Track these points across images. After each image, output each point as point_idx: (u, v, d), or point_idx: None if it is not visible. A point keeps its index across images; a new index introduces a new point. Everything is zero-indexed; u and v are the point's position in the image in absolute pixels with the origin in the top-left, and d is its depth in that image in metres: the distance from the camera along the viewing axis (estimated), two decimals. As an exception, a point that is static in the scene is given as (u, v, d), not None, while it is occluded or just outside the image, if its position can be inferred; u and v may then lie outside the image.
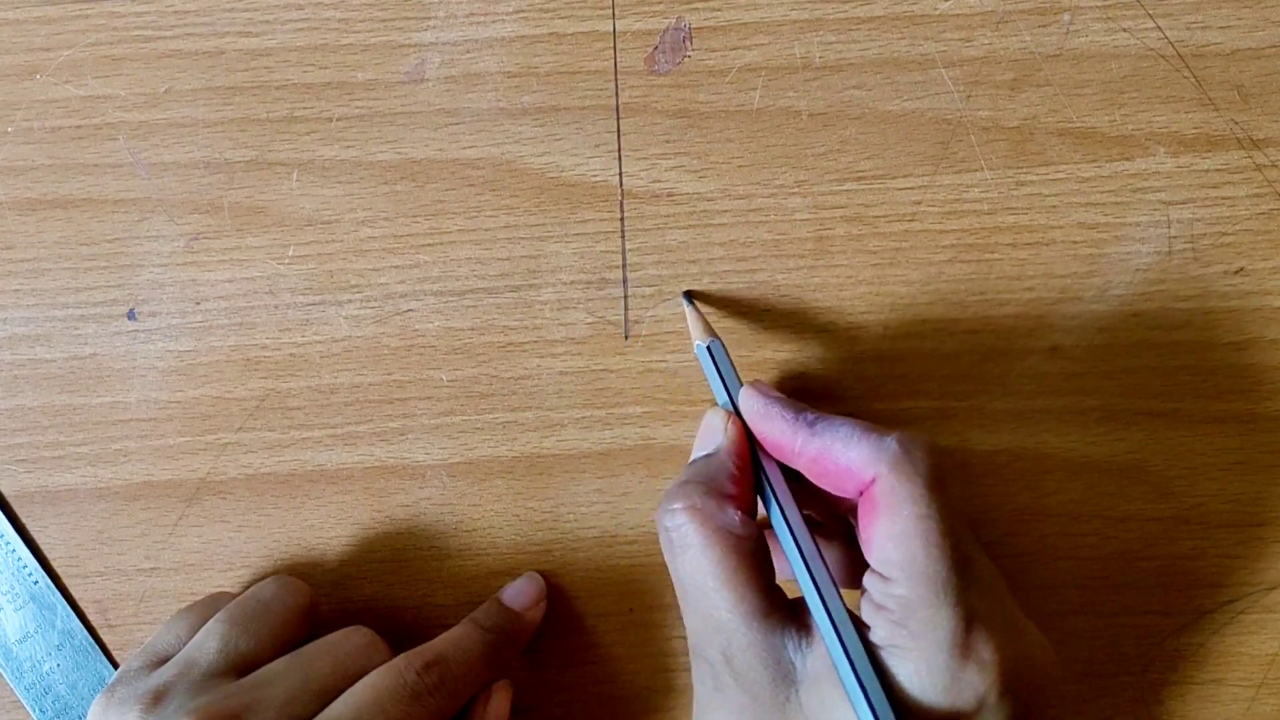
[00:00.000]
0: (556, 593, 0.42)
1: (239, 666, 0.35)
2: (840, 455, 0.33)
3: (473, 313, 0.40)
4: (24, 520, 0.41)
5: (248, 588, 0.39)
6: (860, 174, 0.39)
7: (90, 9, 0.38)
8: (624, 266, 0.40)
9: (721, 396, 0.37)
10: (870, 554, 0.32)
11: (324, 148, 0.39)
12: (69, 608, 0.41)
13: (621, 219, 0.40)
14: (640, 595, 0.42)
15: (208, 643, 0.36)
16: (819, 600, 0.32)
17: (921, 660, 0.30)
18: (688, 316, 0.39)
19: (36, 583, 0.41)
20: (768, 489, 0.35)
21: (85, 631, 0.41)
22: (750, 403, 0.35)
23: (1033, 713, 0.32)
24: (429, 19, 0.39)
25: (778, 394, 0.36)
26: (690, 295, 0.40)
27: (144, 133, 0.39)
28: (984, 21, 0.39)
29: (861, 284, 0.40)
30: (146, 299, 0.40)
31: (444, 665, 0.36)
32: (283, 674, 0.35)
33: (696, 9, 0.39)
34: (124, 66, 0.39)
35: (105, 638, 0.42)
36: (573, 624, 0.42)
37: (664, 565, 0.41)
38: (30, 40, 0.38)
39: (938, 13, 0.39)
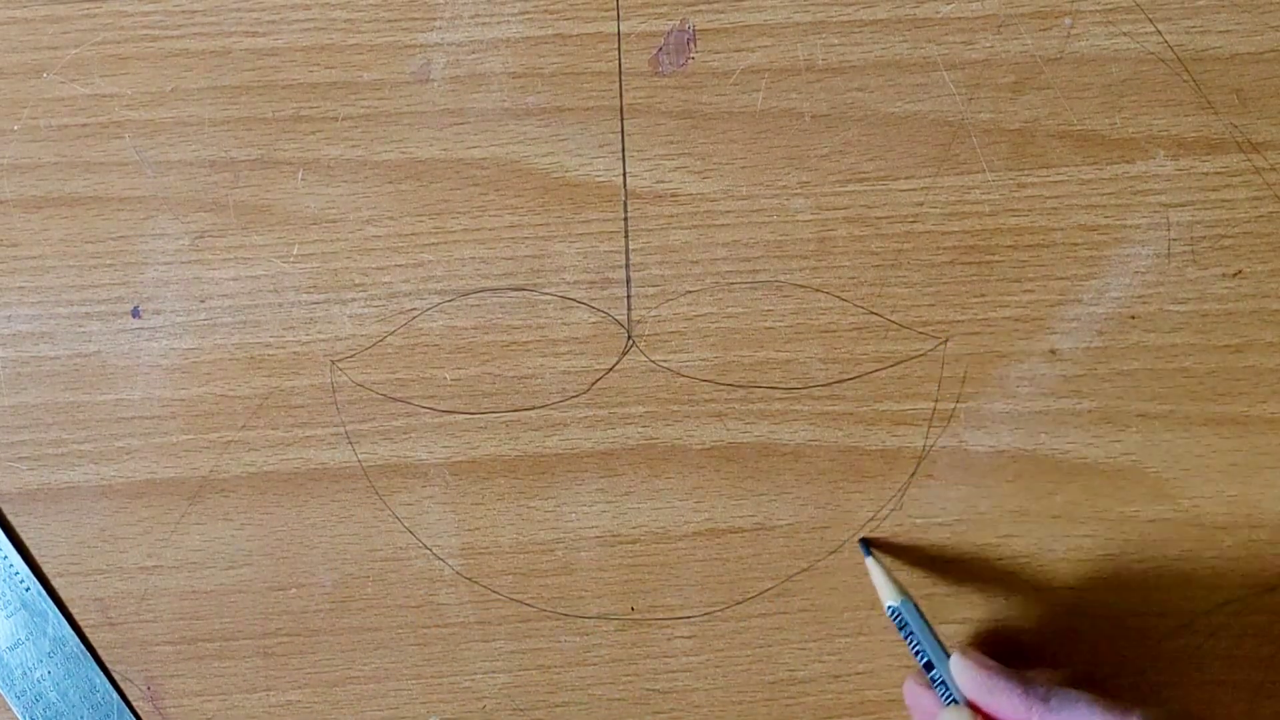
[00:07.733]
0: (557, 593, 0.42)
1: None
2: None
3: (476, 312, 0.40)
4: (26, 518, 0.41)
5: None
6: (863, 175, 0.40)
7: (97, 8, 0.38)
8: (627, 266, 0.40)
9: (923, 657, 0.37)
10: None
11: (329, 147, 0.39)
12: (60, 615, 0.41)
13: (625, 219, 0.40)
14: (642, 595, 0.42)
15: None
16: None
17: None
18: (871, 573, 0.39)
19: (28, 589, 0.41)
20: None
21: (77, 639, 0.41)
22: (968, 676, 0.35)
23: None
24: (435, 20, 0.39)
25: (992, 662, 0.35)
26: (868, 544, 0.40)
27: (150, 131, 0.39)
28: (985, 25, 0.39)
29: (864, 285, 0.40)
30: (151, 297, 0.40)
31: None
32: None
33: (701, 11, 0.39)
34: (130, 65, 0.39)
35: (107, 636, 0.42)
36: (574, 624, 0.42)
37: (665, 565, 0.42)
38: (37, 39, 0.38)
39: (940, 16, 0.39)
